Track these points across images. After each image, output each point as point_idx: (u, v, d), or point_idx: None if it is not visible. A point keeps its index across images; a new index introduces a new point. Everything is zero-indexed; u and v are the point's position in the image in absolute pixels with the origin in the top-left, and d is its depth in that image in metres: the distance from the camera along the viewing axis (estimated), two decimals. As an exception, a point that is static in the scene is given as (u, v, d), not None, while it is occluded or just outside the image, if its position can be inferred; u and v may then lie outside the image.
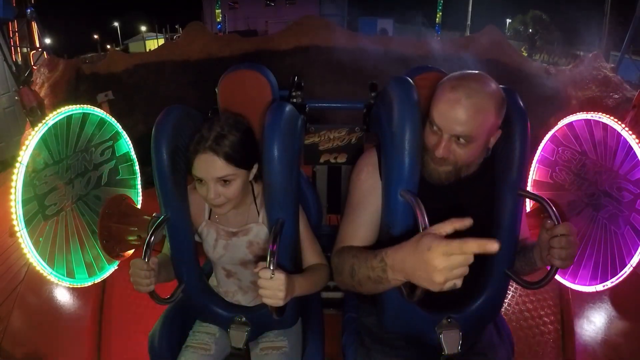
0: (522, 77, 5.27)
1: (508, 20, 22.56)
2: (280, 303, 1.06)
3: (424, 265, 0.83)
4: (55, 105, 3.71)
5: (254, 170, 1.23)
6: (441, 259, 0.81)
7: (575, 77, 4.88)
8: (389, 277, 0.95)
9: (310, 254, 1.33)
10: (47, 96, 4.14)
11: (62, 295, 2.20)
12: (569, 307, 2.04)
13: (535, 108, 4.54)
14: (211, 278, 1.47)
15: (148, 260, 1.13)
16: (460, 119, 1.05)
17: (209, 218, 1.34)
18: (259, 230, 1.30)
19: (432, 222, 0.96)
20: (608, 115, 1.57)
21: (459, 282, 0.84)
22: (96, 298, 2.06)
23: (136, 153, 1.86)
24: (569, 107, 4.62)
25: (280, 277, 1.04)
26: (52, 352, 1.98)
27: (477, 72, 1.10)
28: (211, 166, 1.14)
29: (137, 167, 1.88)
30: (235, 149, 1.15)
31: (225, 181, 1.16)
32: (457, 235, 1.14)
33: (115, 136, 1.77)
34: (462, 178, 1.18)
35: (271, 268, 1.03)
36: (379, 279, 0.98)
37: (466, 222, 0.83)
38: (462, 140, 1.07)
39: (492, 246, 0.77)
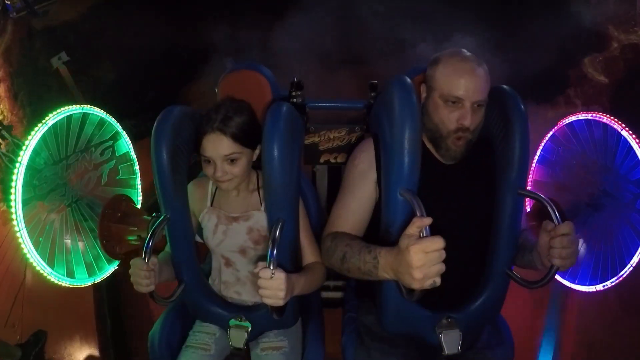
0: (553, 3, 4.38)
1: None
2: (281, 303, 1.06)
3: (405, 263, 0.92)
4: (12, 75, 3.24)
5: (257, 151, 1.28)
6: (418, 257, 0.90)
7: (619, 14, 3.74)
8: (378, 274, 1.04)
9: (309, 253, 1.34)
10: (1, 67, 3.62)
11: (67, 293, 2.14)
12: (567, 305, 2.04)
13: (567, 45, 3.66)
14: (210, 276, 1.47)
15: (148, 260, 1.14)
16: (480, 86, 1.14)
17: (211, 205, 1.36)
18: (260, 217, 1.32)
19: (435, 203, 1.04)
20: (608, 115, 1.57)
21: (437, 280, 0.92)
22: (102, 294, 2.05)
23: (112, 106, 1.79)
24: (606, 49, 3.70)
25: (280, 276, 1.04)
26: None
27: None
28: (219, 145, 1.20)
29: (137, 167, 1.88)
30: (241, 128, 1.22)
31: (232, 160, 1.22)
32: (456, 224, 1.18)
33: (115, 136, 1.76)
34: (465, 158, 1.24)
35: (271, 268, 1.03)
36: (369, 272, 1.06)
37: (425, 221, 0.91)
38: (480, 104, 1.15)
39: None
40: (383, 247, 1.04)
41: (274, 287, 1.04)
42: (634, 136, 1.48)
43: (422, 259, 0.90)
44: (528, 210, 1.80)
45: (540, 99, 2.82)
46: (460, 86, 1.13)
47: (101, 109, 1.73)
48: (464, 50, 1.20)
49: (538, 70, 2.76)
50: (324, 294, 1.80)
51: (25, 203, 1.38)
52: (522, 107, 1.19)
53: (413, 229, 0.93)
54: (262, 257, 1.15)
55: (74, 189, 1.58)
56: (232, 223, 1.34)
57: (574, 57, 3.63)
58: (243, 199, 1.35)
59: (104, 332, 2.01)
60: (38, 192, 1.43)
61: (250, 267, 1.34)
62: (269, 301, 1.06)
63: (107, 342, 2.01)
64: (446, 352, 1.21)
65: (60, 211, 1.53)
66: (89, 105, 1.62)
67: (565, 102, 2.79)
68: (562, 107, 2.85)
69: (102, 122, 1.69)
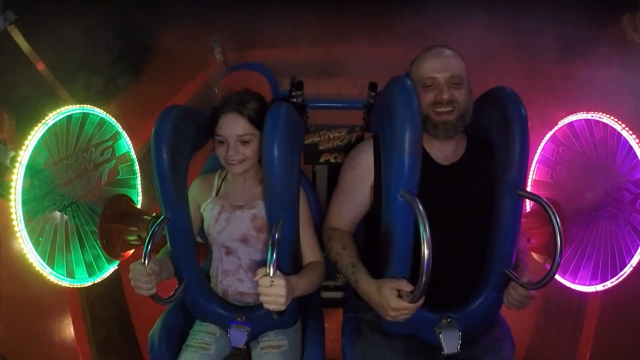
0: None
1: None
2: (282, 308, 1.07)
3: (381, 304, 1.15)
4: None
5: None
6: (394, 311, 1.13)
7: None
8: (359, 292, 1.24)
9: (310, 252, 1.35)
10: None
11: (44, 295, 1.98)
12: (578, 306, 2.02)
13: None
14: (211, 270, 1.47)
15: (148, 261, 1.14)
16: (448, 64, 1.25)
17: (217, 195, 1.40)
18: (264, 207, 1.32)
19: (435, 204, 1.07)
20: (608, 115, 1.57)
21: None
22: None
23: (79, 62, 1.70)
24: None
25: (280, 283, 1.04)
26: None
27: None
28: (235, 124, 1.27)
29: (137, 167, 1.88)
30: (256, 112, 1.29)
31: (244, 142, 1.28)
32: (455, 225, 1.18)
33: (115, 136, 1.76)
34: (465, 159, 1.31)
35: (270, 274, 1.03)
36: (354, 286, 1.25)
37: (407, 289, 1.11)
38: (455, 81, 1.24)
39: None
40: (364, 273, 1.21)
41: (275, 294, 1.05)
42: (634, 136, 1.48)
43: (397, 312, 1.12)
44: (528, 210, 1.81)
45: (571, 54, 2.48)
46: (429, 67, 1.26)
47: (66, 68, 1.62)
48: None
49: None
50: (324, 294, 1.81)
51: (25, 203, 1.38)
52: (522, 107, 1.20)
53: (399, 285, 1.12)
54: (264, 253, 1.15)
55: (74, 189, 1.58)
56: (236, 211, 1.36)
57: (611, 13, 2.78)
58: (249, 188, 1.38)
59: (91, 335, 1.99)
60: (38, 192, 1.43)
61: (251, 255, 1.36)
62: (270, 307, 1.07)
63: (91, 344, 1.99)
64: (445, 352, 1.22)
65: (60, 211, 1.53)
66: (89, 105, 1.62)
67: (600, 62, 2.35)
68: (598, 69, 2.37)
69: (102, 122, 1.69)
